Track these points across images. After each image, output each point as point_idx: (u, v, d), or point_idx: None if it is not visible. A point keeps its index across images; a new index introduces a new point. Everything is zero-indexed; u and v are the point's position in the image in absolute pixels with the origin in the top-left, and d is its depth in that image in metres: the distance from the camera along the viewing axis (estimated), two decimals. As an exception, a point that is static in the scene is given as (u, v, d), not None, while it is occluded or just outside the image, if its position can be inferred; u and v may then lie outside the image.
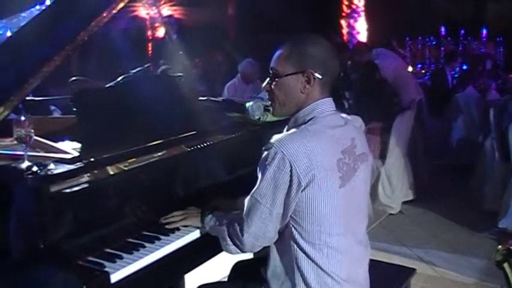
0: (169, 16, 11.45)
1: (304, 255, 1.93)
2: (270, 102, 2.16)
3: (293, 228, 1.93)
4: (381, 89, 5.48)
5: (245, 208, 1.96)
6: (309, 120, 1.98)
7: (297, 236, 1.93)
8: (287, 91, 2.02)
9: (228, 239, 2.02)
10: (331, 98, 2.04)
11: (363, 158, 2.04)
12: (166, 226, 2.19)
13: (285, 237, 1.97)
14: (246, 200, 1.97)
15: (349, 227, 1.98)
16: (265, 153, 1.92)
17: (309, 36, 2.08)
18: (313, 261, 1.92)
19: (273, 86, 2.05)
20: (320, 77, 1.98)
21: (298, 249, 1.94)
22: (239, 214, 2.03)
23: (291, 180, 1.86)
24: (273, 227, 1.94)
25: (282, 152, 1.86)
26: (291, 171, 1.85)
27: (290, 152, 1.85)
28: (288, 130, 2.03)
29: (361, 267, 2.08)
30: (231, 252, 2.05)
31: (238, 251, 2.03)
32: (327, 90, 2.04)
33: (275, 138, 1.92)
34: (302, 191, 1.87)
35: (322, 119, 1.98)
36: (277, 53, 2.05)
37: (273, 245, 2.02)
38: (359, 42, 9.33)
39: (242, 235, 1.95)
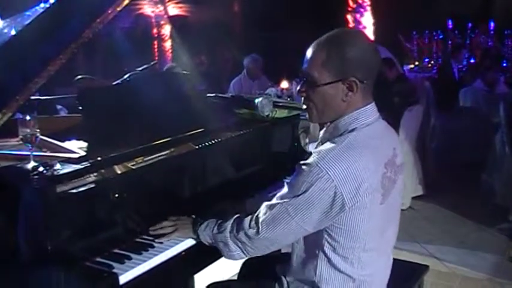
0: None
1: (331, 266, 1.87)
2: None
3: (326, 241, 1.85)
4: (384, 89, 5.45)
5: (269, 212, 1.84)
6: (351, 131, 1.83)
7: (328, 249, 1.85)
8: (326, 100, 1.86)
9: (232, 244, 1.93)
10: (373, 103, 1.90)
11: (401, 168, 1.95)
12: (156, 240, 2.06)
13: (313, 247, 1.90)
14: (271, 206, 1.85)
15: (381, 240, 1.92)
16: (306, 170, 1.76)
17: (344, 33, 1.92)
18: (341, 271, 1.87)
19: (310, 93, 1.89)
20: (362, 82, 1.82)
21: (326, 260, 1.87)
22: (240, 216, 1.95)
23: (332, 203, 1.74)
24: (294, 238, 1.88)
25: (327, 173, 1.72)
26: (334, 194, 1.73)
27: (337, 175, 1.72)
28: (325, 137, 1.90)
29: (385, 275, 2.05)
30: (234, 259, 1.97)
31: (243, 255, 1.95)
32: (371, 91, 1.89)
33: (318, 156, 1.77)
34: (344, 212, 1.76)
35: (365, 129, 1.84)
36: (312, 55, 1.86)
37: (297, 252, 1.96)
38: None
39: (257, 234, 1.85)
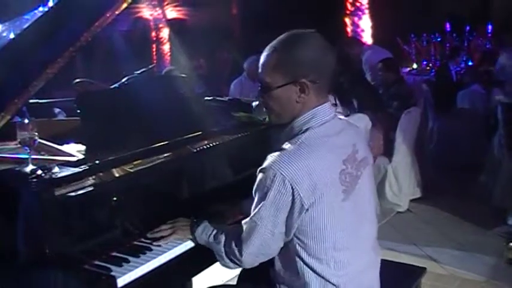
0: None
1: (310, 270, 1.88)
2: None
3: (297, 245, 1.87)
4: (360, 81, 5.40)
5: (244, 230, 1.89)
6: (306, 130, 1.85)
7: (302, 252, 1.87)
8: (281, 103, 1.89)
9: (226, 258, 1.96)
10: (329, 102, 1.92)
11: (365, 162, 1.96)
12: (155, 243, 2.07)
13: (289, 252, 1.91)
14: (245, 222, 1.90)
15: (356, 237, 1.92)
16: (262, 175, 1.81)
17: (294, 35, 1.89)
18: (319, 275, 1.87)
19: (266, 98, 1.93)
20: (315, 82, 1.85)
21: (303, 264, 1.88)
22: (235, 230, 1.96)
23: (293, 203, 1.77)
24: (275, 245, 1.90)
25: (281, 174, 1.75)
26: (292, 193, 1.76)
27: (291, 175, 1.74)
28: (282, 140, 1.91)
29: (372, 273, 2.04)
30: (230, 268, 2.01)
31: (237, 267, 1.99)
32: (325, 91, 1.92)
33: (271, 159, 1.80)
34: (305, 212, 1.79)
35: (320, 128, 1.86)
36: (263, 60, 1.90)
37: (278, 258, 1.97)
38: (350, 36, 9.41)
39: (241, 255, 1.90)
